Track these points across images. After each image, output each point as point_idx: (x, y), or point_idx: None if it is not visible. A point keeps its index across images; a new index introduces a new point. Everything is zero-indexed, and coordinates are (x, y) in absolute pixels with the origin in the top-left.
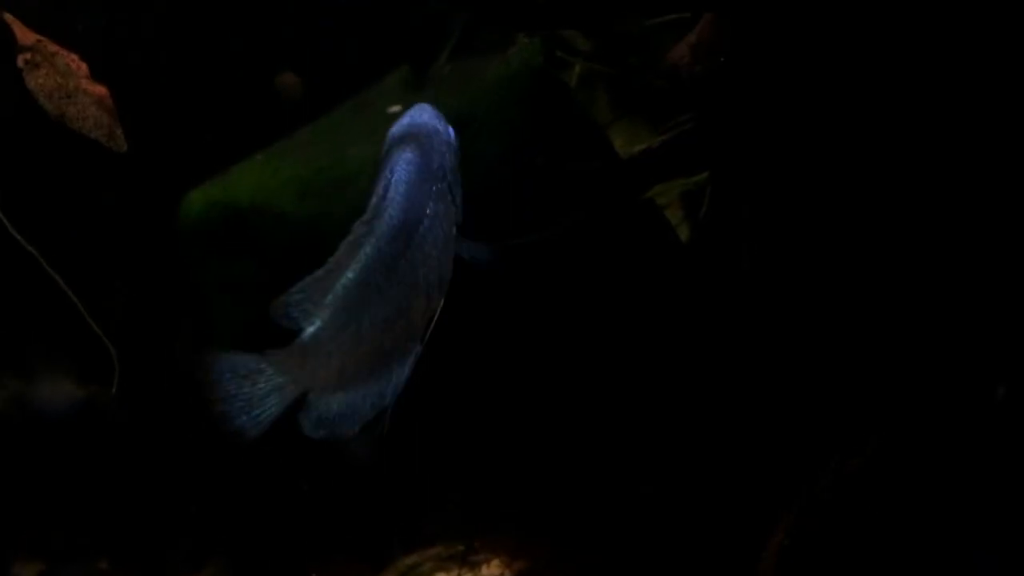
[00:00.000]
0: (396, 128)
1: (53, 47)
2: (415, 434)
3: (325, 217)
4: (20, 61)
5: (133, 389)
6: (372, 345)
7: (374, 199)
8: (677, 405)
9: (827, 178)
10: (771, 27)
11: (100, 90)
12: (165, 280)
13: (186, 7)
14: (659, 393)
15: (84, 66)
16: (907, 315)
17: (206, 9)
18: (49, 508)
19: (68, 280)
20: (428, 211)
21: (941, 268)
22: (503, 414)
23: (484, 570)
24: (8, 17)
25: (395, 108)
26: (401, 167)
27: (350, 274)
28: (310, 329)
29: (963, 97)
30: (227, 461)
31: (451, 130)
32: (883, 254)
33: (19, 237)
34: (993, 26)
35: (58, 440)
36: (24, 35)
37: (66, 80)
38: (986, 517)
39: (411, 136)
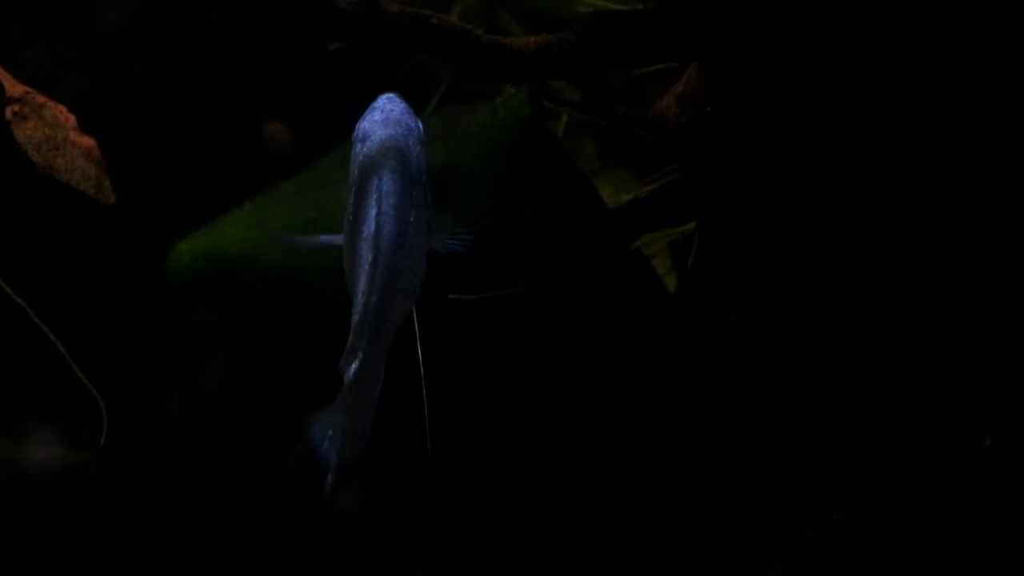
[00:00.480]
0: (370, 125)
1: (41, 98)
2: (405, 485)
3: (312, 268)
4: (8, 113)
5: (122, 446)
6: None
7: (368, 210)
8: (663, 457)
9: (815, 230)
10: (758, 78)
11: (88, 142)
12: (154, 331)
13: (176, 57)
14: (645, 444)
15: (72, 118)
16: (894, 367)
17: (195, 59)
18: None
19: (56, 332)
20: (411, 218)
21: (929, 321)
22: (493, 467)
23: None
24: None
25: None
26: (387, 177)
27: (374, 298)
28: (355, 366)
29: (954, 155)
30: (216, 520)
31: (419, 123)
32: (871, 308)
33: (7, 288)
34: (984, 76)
35: (46, 503)
36: (12, 86)
37: (54, 132)
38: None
39: (390, 140)
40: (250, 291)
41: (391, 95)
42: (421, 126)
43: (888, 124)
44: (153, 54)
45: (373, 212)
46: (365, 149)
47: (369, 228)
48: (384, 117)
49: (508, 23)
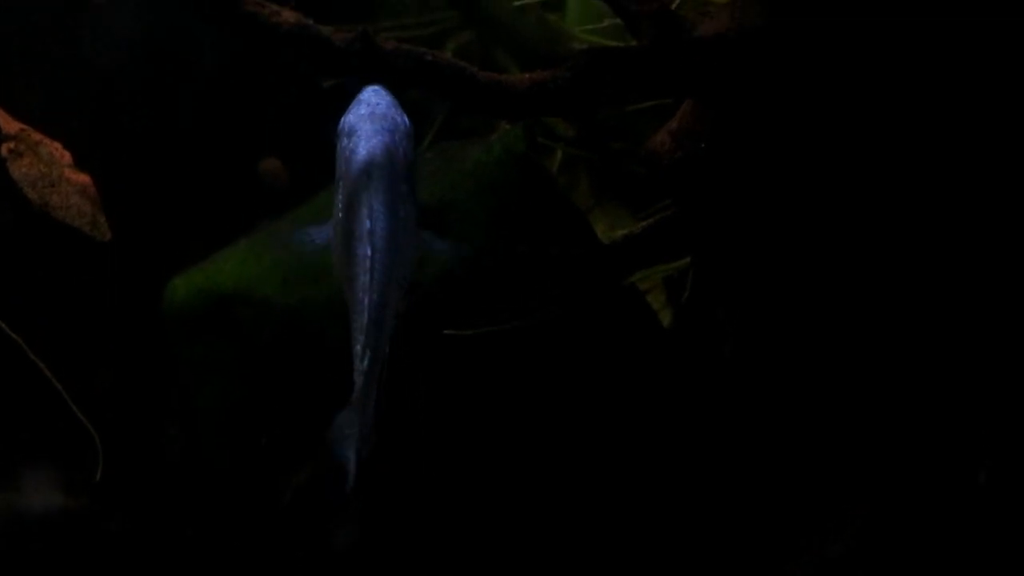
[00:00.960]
0: (356, 119)
1: (37, 136)
2: (400, 521)
3: (308, 303)
4: (4, 150)
5: (120, 483)
6: None
7: (361, 208)
8: (659, 491)
9: (809, 264)
10: (752, 114)
11: (83, 179)
12: (151, 368)
13: (171, 93)
14: (642, 477)
15: (68, 155)
16: (889, 399)
17: (191, 96)
18: None
19: (51, 368)
20: (401, 213)
21: (922, 352)
22: (489, 502)
23: None
24: None
25: None
26: (376, 174)
27: (375, 296)
28: (365, 363)
29: (947, 191)
30: (215, 554)
31: (406, 118)
32: (866, 343)
33: (2, 325)
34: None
35: (45, 549)
36: (8, 124)
37: (50, 169)
38: None
39: (377, 136)
40: (246, 326)
41: (377, 87)
42: (407, 120)
43: (880, 159)
44: (149, 91)
45: (365, 210)
46: (352, 145)
47: (363, 226)
48: (370, 112)
49: (503, 59)
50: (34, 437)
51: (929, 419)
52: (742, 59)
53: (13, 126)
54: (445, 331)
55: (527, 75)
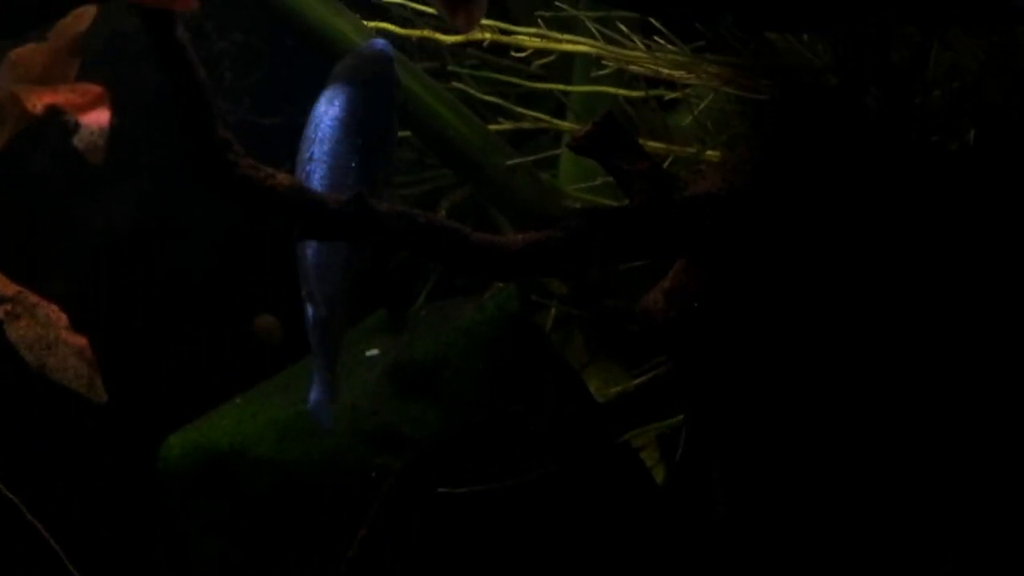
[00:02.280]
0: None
1: (33, 298)
2: None
3: (304, 460)
4: (1, 312)
5: None
6: None
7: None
8: None
9: (806, 425)
10: (747, 274)
11: (80, 341)
12: (146, 526)
13: (167, 253)
14: None
15: (64, 317)
16: (888, 561)
17: (186, 254)
18: None
19: (47, 527)
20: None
21: (920, 514)
22: None
23: None
24: None
25: (373, 352)
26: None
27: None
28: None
29: (945, 347)
30: None
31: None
32: (863, 501)
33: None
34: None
35: None
36: (5, 286)
37: (46, 331)
38: None
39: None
40: (242, 484)
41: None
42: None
43: (877, 321)
44: (145, 250)
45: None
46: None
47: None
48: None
49: (496, 217)
50: None
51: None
52: (733, 218)
53: (10, 288)
54: (439, 489)
55: (520, 236)
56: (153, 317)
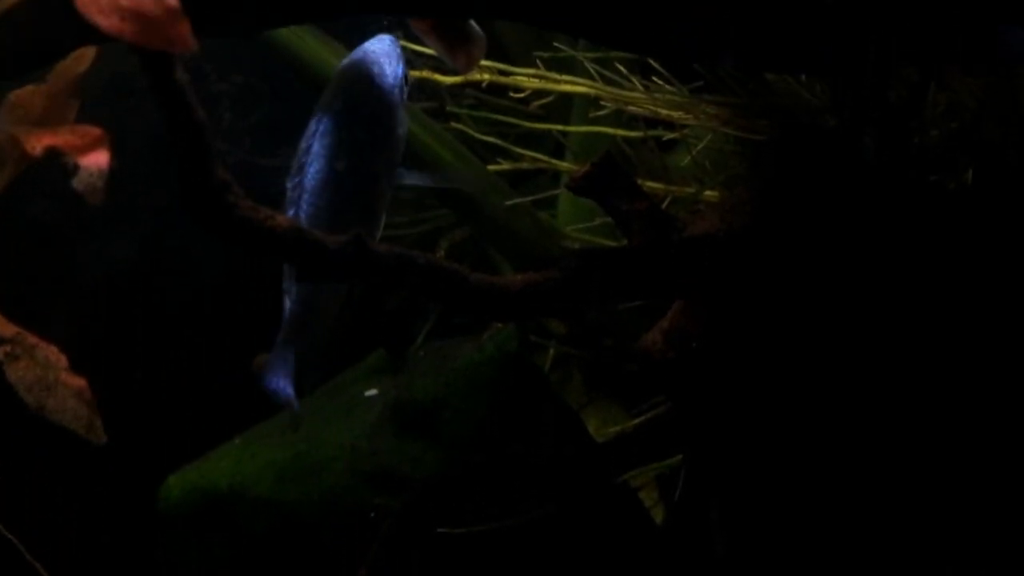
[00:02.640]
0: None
1: (33, 339)
2: None
3: (303, 501)
4: (0, 353)
5: None
6: None
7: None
8: None
9: (804, 466)
10: (745, 314)
11: (79, 383)
12: (146, 567)
13: (167, 294)
14: None
15: (63, 358)
16: None
17: (186, 297)
18: None
19: (49, 570)
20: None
21: (921, 557)
22: None
23: None
24: None
25: (372, 392)
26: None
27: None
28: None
29: (936, 395)
30: None
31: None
32: (864, 544)
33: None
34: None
35: None
36: (4, 327)
37: (46, 372)
38: None
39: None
40: (241, 524)
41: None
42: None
43: (876, 361)
44: (145, 291)
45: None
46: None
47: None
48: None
49: (495, 257)
50: None
51: None
52: (732, 259)
53: (9, 329)
54: (439, 530)
55: (519, 277)
56: (153, 358)
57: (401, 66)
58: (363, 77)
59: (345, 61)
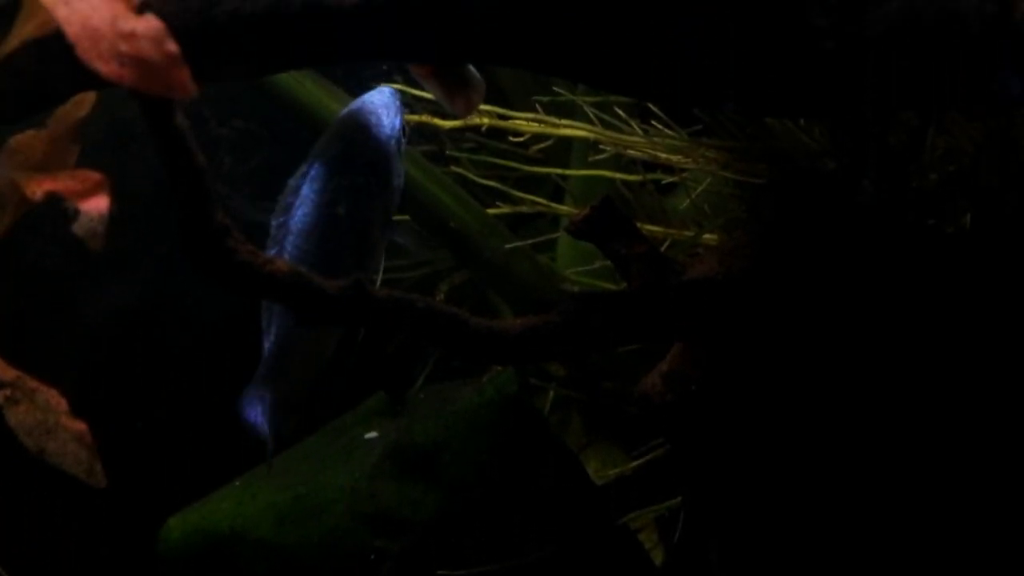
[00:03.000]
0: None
1: (33, 383)
2: None
3: (303, 544)
4: (0, 397)
5: None
6: None
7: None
8: None
9: (803, 508)
10: (744, 358)
11: (79, 426)
12: None
13: (166, 338)
14: None
15: (64, 402)
16: None
17: (185, 339)
18: None
19: None
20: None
21: None
22: None
23: None
24: None
25: (372, 434)
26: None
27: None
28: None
29: (935, 434)
30: None
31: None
32: None
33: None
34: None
35: None
36: (4, 371)
37: (46, 416)
38: None
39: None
40: (242, 566)
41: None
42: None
43: (875, 404)
44: (146, 336)
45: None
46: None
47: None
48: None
49: (495, 300)
50: None
51: None
52: (731, 302)
53: (9, 373)
54: (439, 572)
55: (518, 321)
56: (153, 401)
57: (399, 118)
58: (360, 126)
59: (344, 111)
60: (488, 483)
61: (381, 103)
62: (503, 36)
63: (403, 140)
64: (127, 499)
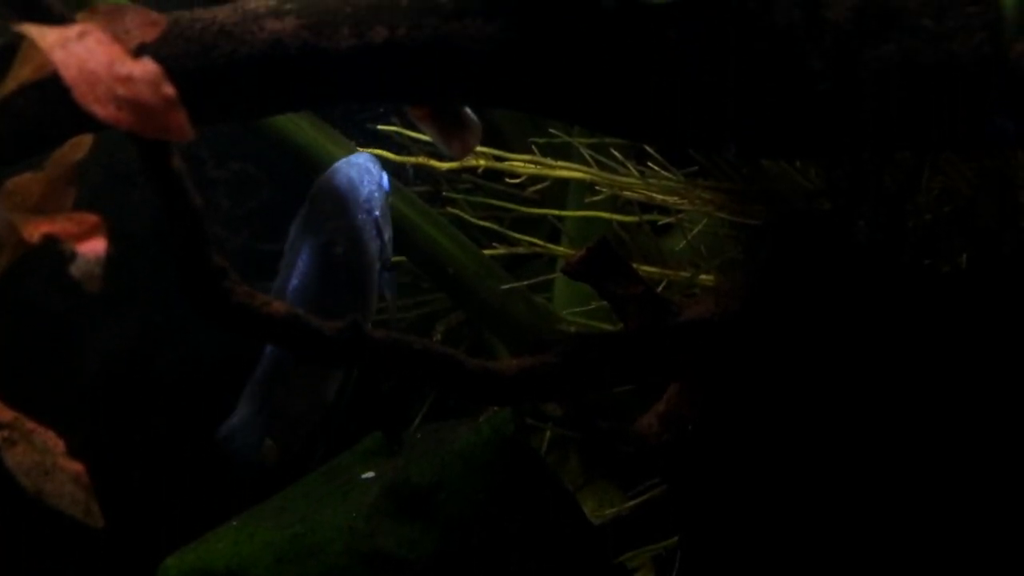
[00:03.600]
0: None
1: (30, 424)
2: None
3: None
4: None
5: None
6: None
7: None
8: None
9: (800, 549)
10: (741, 399)
11: (77, 467)
12: None
13: (164, 375)
14: None
15: (61, 443)
16: None
17: (183, 375)
18: None
19: None
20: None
21: None
22: None
23: None
24: None
25: (369, 474)
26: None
27: None
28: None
29: (932, 475)
30: None
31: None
32: None
33: None
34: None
35: None
36: (2, 412)
37: (43, 457)
38: None
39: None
40: None
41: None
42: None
43: (871, 444)
44: (144, 376)
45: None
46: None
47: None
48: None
49: (491, 340)
50: None
51: None
52: (727, 343)
53: (7, 414)
54: None
55: (515, 361)
56: (151, 441)
57: (381, 181)
58: (337, 195)
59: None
60: (485, 522)
61: (359, 166)
62: (500, 78)
63: (387, 198)
64: (125, 539)
